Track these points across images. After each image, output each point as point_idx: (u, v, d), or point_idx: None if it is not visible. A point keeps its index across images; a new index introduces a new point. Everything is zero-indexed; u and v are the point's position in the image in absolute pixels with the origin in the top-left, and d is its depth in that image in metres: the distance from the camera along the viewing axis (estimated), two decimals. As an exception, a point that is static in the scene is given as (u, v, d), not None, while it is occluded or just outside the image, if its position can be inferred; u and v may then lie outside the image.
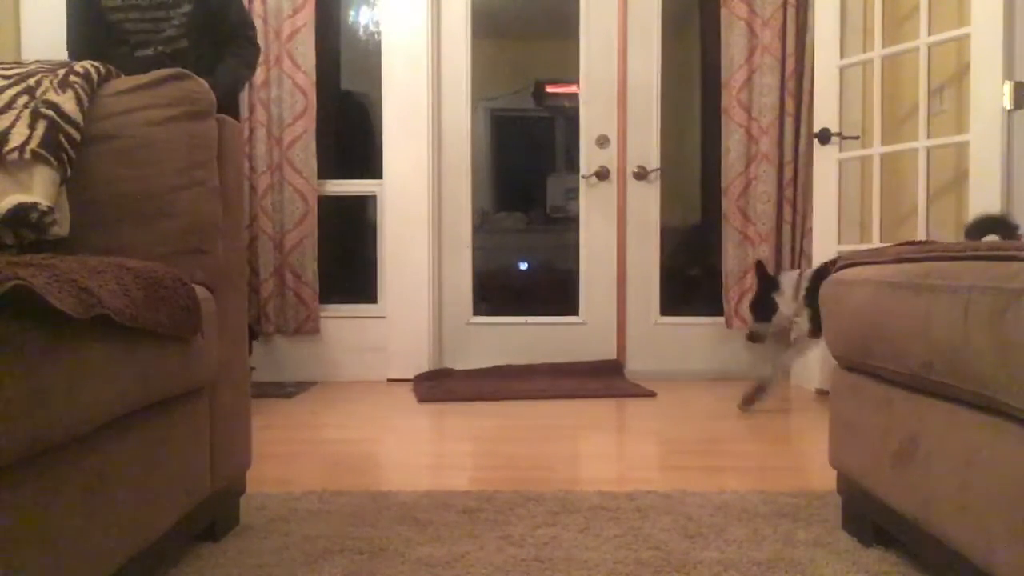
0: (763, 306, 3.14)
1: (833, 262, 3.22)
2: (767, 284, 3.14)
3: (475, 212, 4.12)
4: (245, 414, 1.69)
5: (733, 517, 1.67)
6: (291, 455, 2.33)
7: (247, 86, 3.69)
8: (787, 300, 3.09)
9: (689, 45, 4.85)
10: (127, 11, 2.83)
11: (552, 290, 4.25)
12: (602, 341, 3.95)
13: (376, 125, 3.95)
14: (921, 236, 2.95)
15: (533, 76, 5.06)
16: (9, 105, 1.43)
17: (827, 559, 1.43)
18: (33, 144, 1.39)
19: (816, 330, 2.99)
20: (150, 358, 1.19)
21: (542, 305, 4.10)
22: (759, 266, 3.20)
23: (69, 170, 1.43)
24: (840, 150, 3.30)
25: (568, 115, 4.45)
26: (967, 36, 2.78)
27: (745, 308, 3.73)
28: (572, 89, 4.14)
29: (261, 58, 3.68)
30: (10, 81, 1.47)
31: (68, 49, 2.86)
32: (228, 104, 2.75)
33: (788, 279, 3.13)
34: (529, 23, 4.75)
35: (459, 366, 3.86)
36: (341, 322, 3.84)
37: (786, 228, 3.73)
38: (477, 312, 4.03)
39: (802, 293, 3.06)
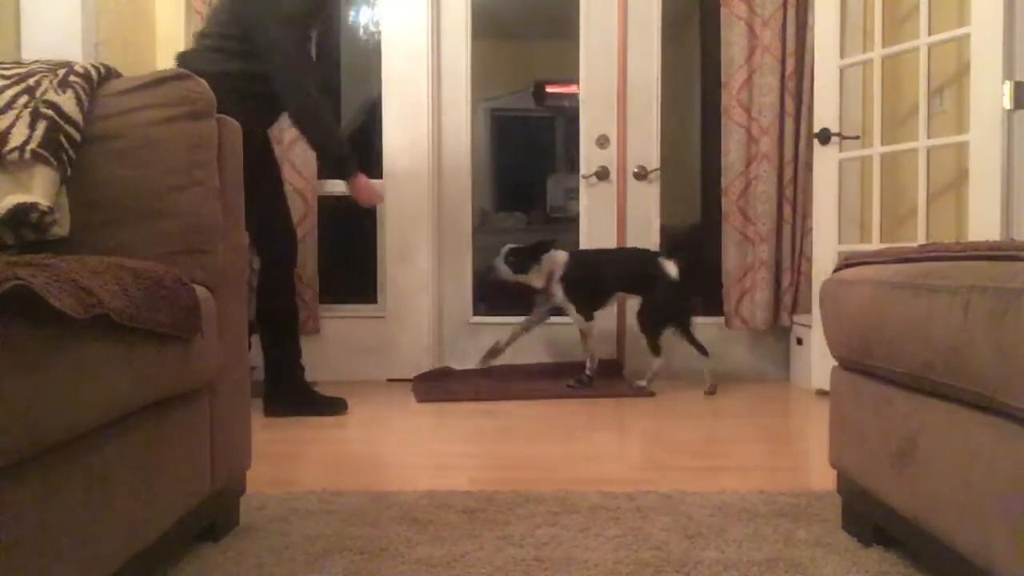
0: (523, 261, 3.42)
1: (577, 252, 3.60)
2: (539, 251, 3.42)
3: (475, 212, 4.12)
4: (245, 414, 1.69)
5: (733, 517, 1.67)
6: (291, 455, 2.33)
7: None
8: (540, 273, 3.40)
9: (689, 45, 4.85)
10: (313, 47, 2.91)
11: (552, 290, 4.24)
12: (602, 341, 3.94)
13: (376, 125, 3.95)
14: (921, 236, 2.96)
15: (533, 76, 5.06)
16: (9, 105, 1.43)
17: (827, 559, 1.43)
18: (33, 144, 1.39)
19: (586, 313, 3.41)
20: (150, 358, 1.19)
21: (542, 305, 4.08)
22: (544, 242, 3.49)
23: (69, 170, 1.43)
24: (840, 150, 3.30)
25: (568, 115, 4.46)
26: (967, 36, 2.78)
27: (746, 308, 3.74)
28: (572, 89, 4.14)
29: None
30: (10, 81, 1.47)
31: (309, 87, 2.74)
32: None
33: (550, 257, 3.43)
34: (529, 23, 4.76)
35: (459, 366, 3.86)
36: (341, 322, 3.84)
37: (786, 228, 3.72)
38: (477, 312, 4.03)
39: (558, 283, 3.40)
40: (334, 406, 2.95)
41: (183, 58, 2.85)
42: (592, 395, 3.36)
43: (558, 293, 3.39)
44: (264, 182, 2.92)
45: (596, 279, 3.45)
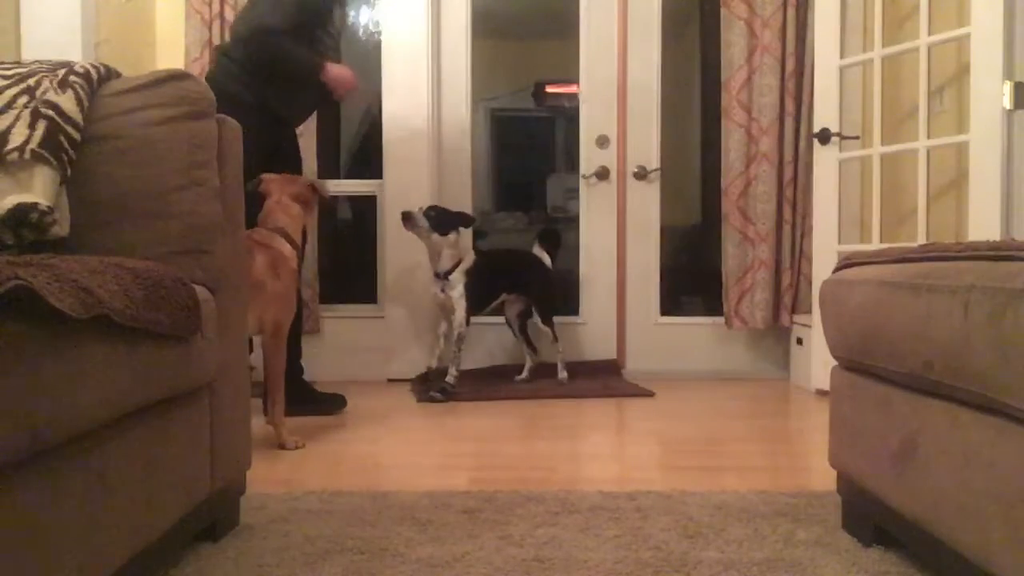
0: (441, 221, 3.31)
1: (490, 252, 3.60)
2: (459, 221, 3.36)
3: (475, 212, 4.11)
4: (245, 414, 1.69)
5: (733, 517, 1.67)
6: (291, 455, 2.33)
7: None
8: (452, 252, 3.31)
9: (689, 45, 4.84)
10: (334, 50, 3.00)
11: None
12: (602, 341, 3.95)
13: (376, 125, 3.94)
14: (921, 236, 2.96)
15: (533, 76, 5.05)
16: (9, 105, 1.43)
17: (827, 559, 1.43)
18: (33, 144, 1.39)
19: (468, 318, 3.34)
20: (150, 358, 1.19)
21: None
22: (466, 216, 3.43)
23: (69, 170, 1.43)
24: (840, 150, 3.30)
25: (568, 115, 4.45)
26: (967, 36, 2.78)
27: (745, 308, 3.74)
28: (572, 89, 4.14)
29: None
30: (10, 81, 1.47)
31: (278, 36, 2.77)
32: None
33: (465, 248, 3.45)
34: (529, 23, 4.75)
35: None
36: (341, 322, 3.84)
37: (786, 228, 3.73)
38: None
39: (461, 274, 3.32)
40: (333, 403, 2.95)
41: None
42: (592, 395, 3.36)
43: (457, 287, 3.30)
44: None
45: (490, 281, 3.44)
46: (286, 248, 2.44)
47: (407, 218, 3.29)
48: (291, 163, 3.02)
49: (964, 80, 2.91)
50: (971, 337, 1.06)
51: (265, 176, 2.57)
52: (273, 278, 2.34)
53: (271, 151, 2.84)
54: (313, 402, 2.93)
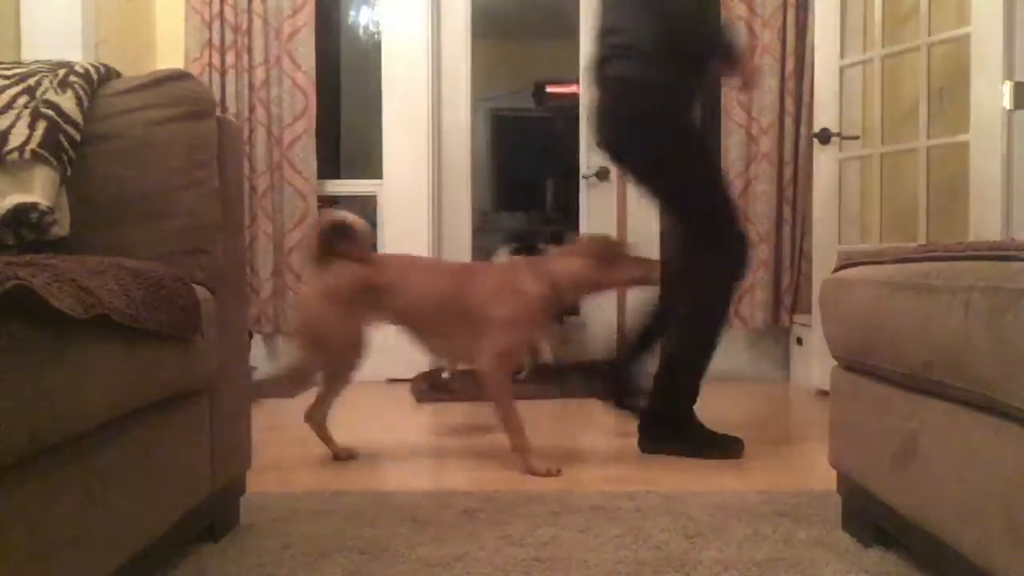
0: None
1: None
2: None
3: (475, 212, 4.11)
4: (245, 414, 1.69)
5: (733, 517, 1.67)
6: (291, 455, 2.33)
7: (248, 87, 3.70)
8: None
9: (689, 45, 4.84)
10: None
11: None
12: (602, 341, 3.95)
13: (376, 125, 3.94)
14: (921, 236, 2.95)
15: (533, 76, 5.06)
16: (9, 105, 1.43)
17: (827, 559, 1.43)
18: (33, 144, 1.39)
19: None
20: (150, 358, 1.19)
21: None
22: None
23: (69, 170, 1.43)
24: (840, 150, 3.30)
25: (568, 115, 4.45)
26: (967, 36, 2.78)
27: (745, 308, 3.73)
28: (572, 89, 4.14)
29: (261, 58, 3.69)
30: (10, 81, 1.48)
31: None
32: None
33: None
34: (529, 23, 4.76)
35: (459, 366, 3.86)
36: (341, 322, 3.83)
37: (786, 228, 3.73)
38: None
39: None
40: (730, 447, 2.32)
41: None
42: (592, 395, 3.35)
43: None
44: (713, 160, 2.49)
45: None
46: (528, 285, 2.27)
47: None
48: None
49: (964, 80, 2.91)
50: (971, 337, 1.06)
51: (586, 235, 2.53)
52: (495, 303, 2.23)
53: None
54: (711, 444, 2.33)
